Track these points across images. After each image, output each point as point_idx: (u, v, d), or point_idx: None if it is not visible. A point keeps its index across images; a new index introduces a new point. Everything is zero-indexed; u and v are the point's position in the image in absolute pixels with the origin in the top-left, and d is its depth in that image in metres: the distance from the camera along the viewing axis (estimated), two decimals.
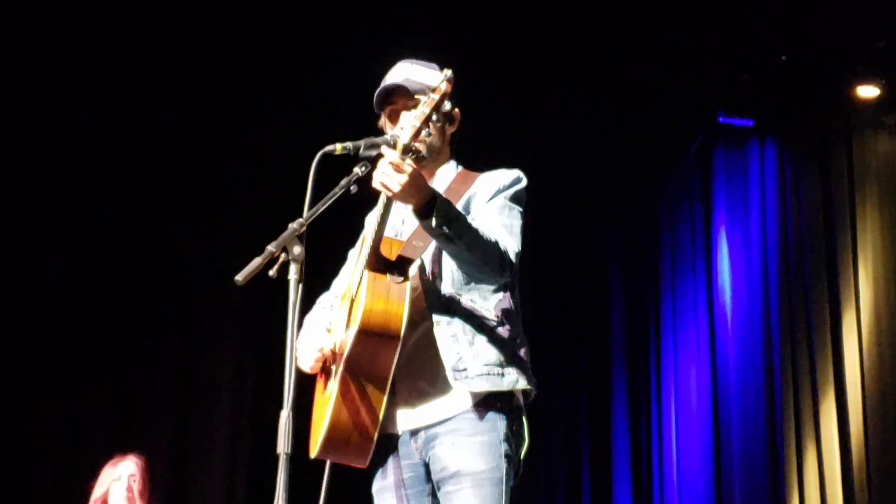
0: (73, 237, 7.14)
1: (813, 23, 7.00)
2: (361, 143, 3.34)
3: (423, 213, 3.23)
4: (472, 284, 3.50)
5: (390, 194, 3.20)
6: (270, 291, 3.34)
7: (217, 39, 7.17)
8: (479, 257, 3.34)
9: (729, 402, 7.46)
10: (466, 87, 3.65)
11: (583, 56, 7.29)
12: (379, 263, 3.36)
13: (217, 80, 7.29)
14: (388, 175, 3.17)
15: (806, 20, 6.99)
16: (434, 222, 3.20)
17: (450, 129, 3.72)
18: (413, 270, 3.42)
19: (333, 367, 3.47)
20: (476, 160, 3.74)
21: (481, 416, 3.42)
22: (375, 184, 3.20)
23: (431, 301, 3.47)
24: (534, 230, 3.96)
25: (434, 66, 3.69)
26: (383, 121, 3.71)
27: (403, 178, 3.16)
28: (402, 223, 3.64)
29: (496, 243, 3.39)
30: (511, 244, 3.46)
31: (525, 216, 3.59)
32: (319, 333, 3.65)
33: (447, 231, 3.23)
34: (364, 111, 3.78)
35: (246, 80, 7.32)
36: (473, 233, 3.32)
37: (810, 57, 7.24)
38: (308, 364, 3.56)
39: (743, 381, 7.44)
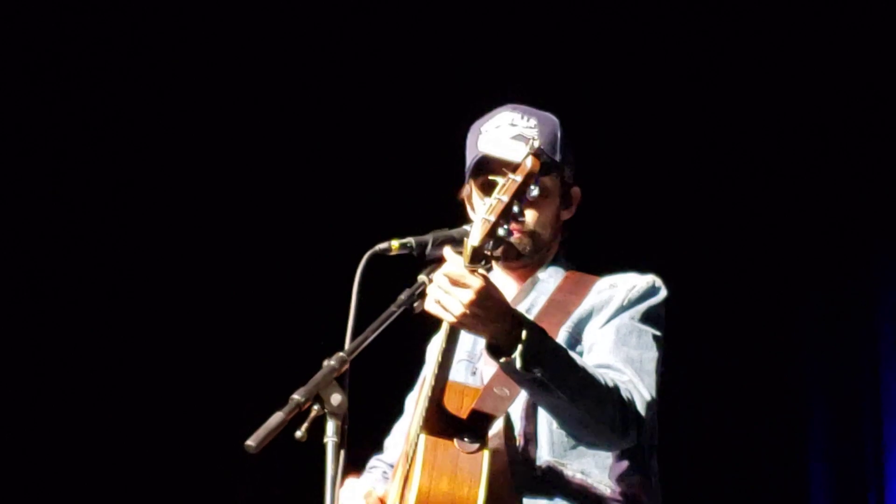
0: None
1: None
2: (429, 237, 2.62)
3: (502, 349, 2.44)
4: (583, 448, 2.71)
5: (451, 321, 2.44)
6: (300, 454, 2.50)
7: (258, 122, 6.54)
8: (590, 413, 2.55)
9: None
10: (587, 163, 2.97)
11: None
12: (443, 422, 2.58)
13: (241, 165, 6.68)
14: (447, 292, 2.40)
15: None
16: (519, 363, 2.41)
17: (566, 215, 2.98)
18: (495, 430, 2.63)
19: None
20: (597, 260, 2.93)
21: None
22: (429, 305, 2.46)
23: (522, 477, 2.69)
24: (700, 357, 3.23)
25: (550, 116, 2.94)
26: (468, 190, 2.94)
27: (468, 296, 2.38)
28: (480, 355, 2.82)
29: (616, 390, 2.59)
30: (640, 389, 2.66)
31: (663, 343, 2.79)
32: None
33: (539, 376, 2.45)
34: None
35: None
36: (581, 376, 2.53)
37: None
38: None
39: None
